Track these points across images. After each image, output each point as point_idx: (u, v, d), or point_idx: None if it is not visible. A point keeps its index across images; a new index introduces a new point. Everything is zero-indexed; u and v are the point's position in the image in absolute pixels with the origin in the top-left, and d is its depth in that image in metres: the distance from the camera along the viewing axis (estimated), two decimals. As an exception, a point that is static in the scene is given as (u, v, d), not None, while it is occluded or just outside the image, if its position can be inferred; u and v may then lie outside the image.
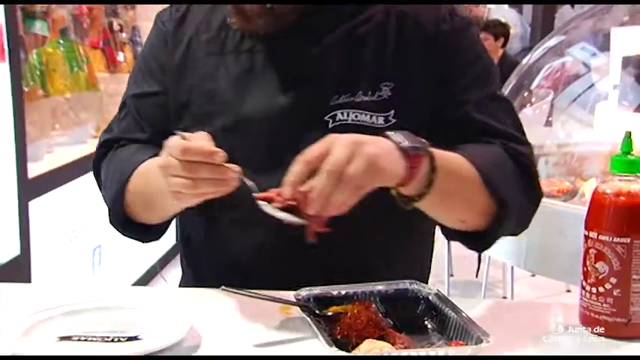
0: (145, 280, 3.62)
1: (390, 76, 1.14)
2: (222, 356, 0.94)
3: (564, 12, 7.82)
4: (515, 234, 1.19)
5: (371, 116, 1.13)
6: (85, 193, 2.94)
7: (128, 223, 1.21)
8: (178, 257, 1.34)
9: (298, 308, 0.98)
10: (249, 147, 1.13)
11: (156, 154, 1.08)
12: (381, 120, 1.13)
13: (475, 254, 1.19)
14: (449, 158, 1.04)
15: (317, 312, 0.98)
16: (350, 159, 0.91)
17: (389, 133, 0.99)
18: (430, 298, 1.03)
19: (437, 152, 1.00)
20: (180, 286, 1.32)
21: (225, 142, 0.99)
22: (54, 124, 3.02)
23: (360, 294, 1.03)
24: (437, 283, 3.55)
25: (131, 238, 1.25)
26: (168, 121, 1.19)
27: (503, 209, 1.08)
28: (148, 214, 1.20)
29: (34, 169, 2.63)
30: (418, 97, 1.15)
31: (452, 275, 3.56)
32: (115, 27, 3.60)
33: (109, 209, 1.23)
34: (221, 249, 1.22)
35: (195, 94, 1.19)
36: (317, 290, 1.03)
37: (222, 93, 1.17)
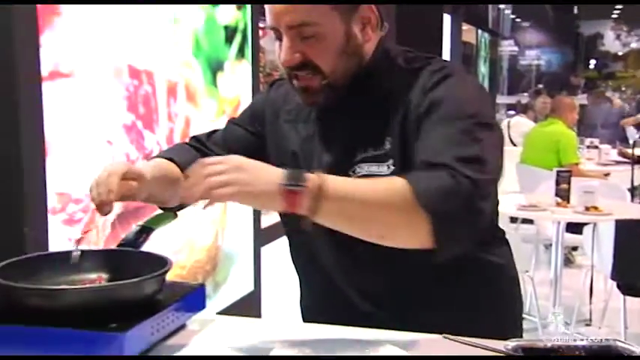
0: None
1: (390, 133, 1.22)
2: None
3: None
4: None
5: (378, 166, 1.21)
6: (303, 242, 3.13)
7: None
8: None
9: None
10: None
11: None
12: (384, 168, 1.21)
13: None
14: (341, 185, 1.07)
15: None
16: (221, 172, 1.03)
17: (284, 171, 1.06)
18: (635, 356, 1.00)
19: (329, 180, 1.05)
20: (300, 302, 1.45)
21: None
22: (280, 184, 3.17)
23: (565, 348, 1.04)
24: (612, 333, 3.44)
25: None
26: (244, 149, 1.31)
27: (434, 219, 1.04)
28: None
29: (265, 221, 2.77)
30: (409, 148, 1.19)
31: (627, 328, 3.39)
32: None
33: None
34: (298, 270, 1.40)
35: (277, 149, 1.34)
36: (524, 342, 1.05)
37: (291, 152, 1.31)
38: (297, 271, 1.43)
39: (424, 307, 1.25)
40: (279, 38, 1.22)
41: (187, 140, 1.45)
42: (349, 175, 1.22)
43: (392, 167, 1.21)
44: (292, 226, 1.11)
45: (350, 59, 1.23)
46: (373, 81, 1.27)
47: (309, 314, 1.42)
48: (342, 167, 1.22)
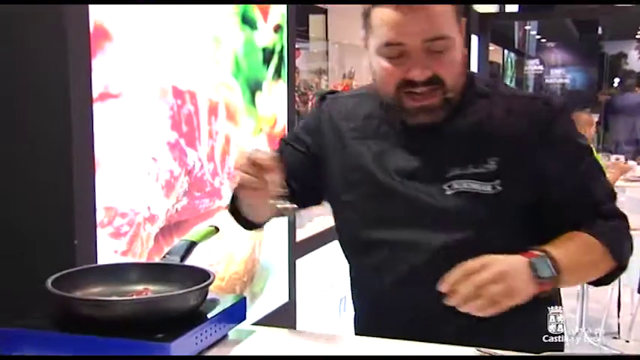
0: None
1: (495, 153, 1.20)
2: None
3: None
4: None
5: (480, 184, 1.20)
6: (335, 254, 3.12)
7: (236, 214, 1.38)
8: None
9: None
10: (383, 208, 1.26)
11: None
12: (488, 188, 1.19)
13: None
14: (568, 262, 1.13)
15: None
16: (494, 280, 1.04)
17: (533, 260, 1.10)
18: None
19: (562, 256, 1.12)
20: (355, 325, 1.43)
21: (366, 203, 1.17)
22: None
23: None
24: None
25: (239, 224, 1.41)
26: (298, 169, 1.34)
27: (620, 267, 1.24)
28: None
29: (300, 234, 2.77)
30: (522, 171, 1.21)
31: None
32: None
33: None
34: (360, 292, 1.39)
35: (345, 166, 1.31)
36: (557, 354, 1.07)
37: (365, 168, 1.28)
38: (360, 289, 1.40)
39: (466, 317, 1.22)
40: (399, 55, 1.17)
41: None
42: (443, 191, 1.21)
43: (498, 188, 1.20)
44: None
45: (464, 73, 1.23)
46: (462, 97, 1.24)
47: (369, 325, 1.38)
48: (433, 182, 1.21)
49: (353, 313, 1.45)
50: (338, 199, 1.35)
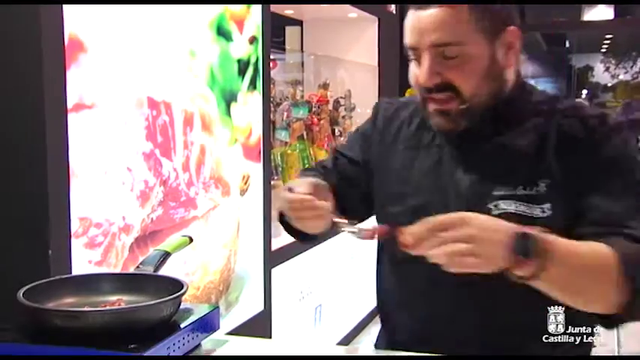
0: (353, 334, 3.68)
1: (546, 175, 1.13)
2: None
3: None
4: None
5: (529, 207, 1.12)
6: (311, 263, 3.10)
7: (288, 227, 1.29)
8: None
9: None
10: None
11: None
12: (537, 211, 1.12)
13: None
14: (571, 251, 1.00)
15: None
16: (460, 240, 0.95)
17: (518, 234, 0.97)
18: None
19: (556, 245, 0.98)
20: (377, 339, 1.35)
21: (413, 217, 1.04)
22: (289, 208, 3.17)
23: None
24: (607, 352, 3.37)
25: (292, 237, 1.34)
26: (351, 180, 1.31)
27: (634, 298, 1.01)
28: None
29: (275, 243, 2.74)
30: (570, 194, 1.13)
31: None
32: (337, 133, 3.79)
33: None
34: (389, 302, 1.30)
35: (393, 177, 1.25)
36: None
37: (415, 179, 1.22)
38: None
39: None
40: (417, 59, 1.14)
41: (314, 165, 1.41)
42: (488, 210, 1.12)
43: (548, 212, 1.12)
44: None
45: (492, 84, 1.14)
46: (514, 111, 1.19)
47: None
48: (478, 201, 1.14)
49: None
50: (383, 210, 1.29)
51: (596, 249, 1.03)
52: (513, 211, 1.12)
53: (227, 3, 2.26)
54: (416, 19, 1.12)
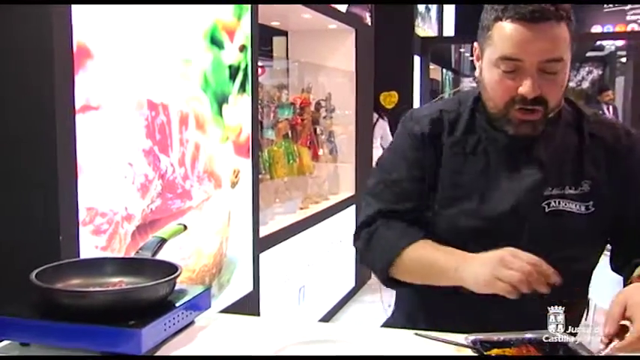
0: (333, 312, 3.70)
1: (587, 176, 1.15)
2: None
3: None
4: None
5: (576, 205, 1.13)
6: (295, 249, 3.11)
7: (390, 279, 1.20)
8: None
9: (469, 350, 1.01)
10: (481, 225, 1.16)
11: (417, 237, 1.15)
12: (582, 208, 1.14)
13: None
14: None
15: (484, 353, 1.00)
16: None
17: None
18: (569, 345, 0.99)
19: None
20: (389, 319, 1.33)
21: (466, 219, 1.05)
22: (275, 199, 3.15)
23: (515, 340, 1.01)
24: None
25: (390, 287, 1.24)
26: (420, 198, 1.20)
27: None
28: (418, 278, 1.17)
29: (263, 230, 2.76)
30: (607, 194, 1.15)
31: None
32: (318, 131, 3.78)
33: (375, 267, 1.21)
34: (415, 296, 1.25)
35: (444, 183, 1.19)
36: (482, 336, 1.03)
37: (466, 184, 1.18)
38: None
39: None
40: (515, 71, 1.08)
41: (388, 221, 1.21)
42: (542, 208, 1.13)
43: (592, 209, 1.14)
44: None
45: (564, 96, 1.15)
46: (558, 117, 1.17)
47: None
48: (532, 200, 1.13)
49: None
50: (436, 213, 1.20)
51: None
52: (563, 209, 1.13)
53: (226, 3, 2.26)
54: (524, 32, 1.05)
